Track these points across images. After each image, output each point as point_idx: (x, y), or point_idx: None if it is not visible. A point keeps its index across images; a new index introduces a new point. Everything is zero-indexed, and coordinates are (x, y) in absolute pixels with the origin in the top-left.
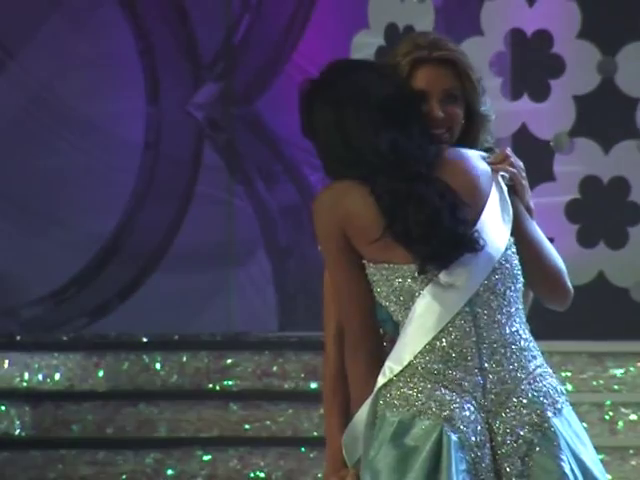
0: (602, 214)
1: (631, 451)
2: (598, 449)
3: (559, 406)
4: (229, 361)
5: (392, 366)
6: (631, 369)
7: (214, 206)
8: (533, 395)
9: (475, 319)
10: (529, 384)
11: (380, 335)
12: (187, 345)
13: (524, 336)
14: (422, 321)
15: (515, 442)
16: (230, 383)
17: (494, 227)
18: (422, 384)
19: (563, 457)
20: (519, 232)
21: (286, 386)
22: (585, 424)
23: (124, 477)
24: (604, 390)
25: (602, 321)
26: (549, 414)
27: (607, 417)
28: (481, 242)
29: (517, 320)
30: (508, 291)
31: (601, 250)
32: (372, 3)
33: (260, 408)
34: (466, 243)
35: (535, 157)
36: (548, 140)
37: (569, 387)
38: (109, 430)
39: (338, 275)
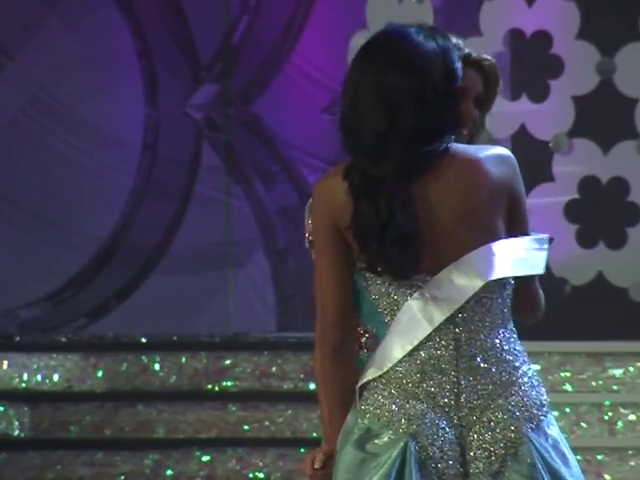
0: (601, 214)
1: (630, 451)
2: (597, 449)
3: (537, 420)
4: (228, 362)
5: (373, 370)
6: (630, 369)
7: (212, 207)
8: (509, 410)
9: (456, 333)
10: (506, 398)
11: (352, 333)
12: (186, 346)
13: (506, 347)
14: (405, 331)
15: (487, 459)
16: (229, 384)
17: (500, 257)
18: (396, 393)
19: (536, 476)
20: None
21: (285, 387)
22: (584, 424)
23: (123, 478)
24: (603, 390)
25: (601, 321)
26: (524, 429)
27: (606, 417)
28: (433, 271)
29: (501, 331)
30: (495, 302)
31: (600, 250)
32: (370, 4)
33: (259, 409)
34: (407, 267)
35: (534, 157)
36: (547, 140)
37: (568, 387)
38: (108, 431)
39: (323, 266)
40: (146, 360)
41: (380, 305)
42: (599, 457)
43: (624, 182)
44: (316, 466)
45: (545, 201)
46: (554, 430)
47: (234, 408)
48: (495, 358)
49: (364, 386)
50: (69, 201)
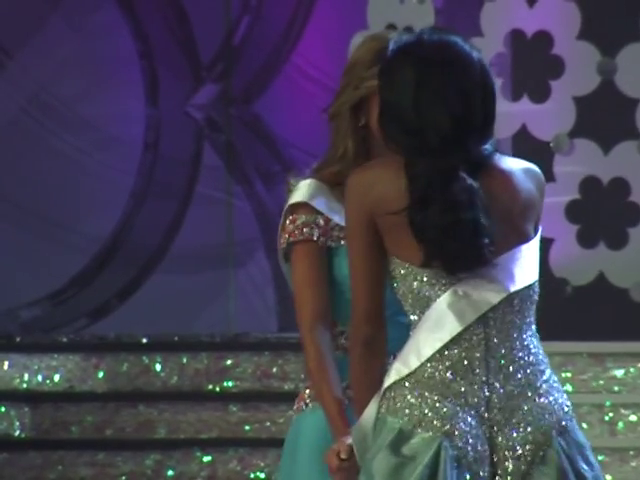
0: (602, 215)
1: (631, 452)
2: (598, 450)
3: (564, 423)
4: (229, 362)
5: (400, 368)
6: (631, 370)
7: (213, 206)
8: (538, 412)
9: (486, 332)
10: (534, 401)
11: (384, 328)
12: (187, 346)
13: (533, 350)
14: (434, 328)
15: (517, 460)
16: (230, 384)
17: (529, 260)
18: (426, 393)
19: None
20: None
21: (286, 387)
22: (585, 425)
23: (124, 478)
24: (604, 391)
25: (602, 322)
26: (554, 433)
27: (607, 418)
28: (492, 263)
29: (529, 333)
30: (524, 304)
31: (601, 251)
32: (371, 4)
33: (260, 409)
34: (474, 260)
35: (535, 158)
36: (548, 141)
37: (569, 388)
38: (109, 431)
39: (355, 259)
40: (147, 360)
41: (407, 303)
42: (600, 458)
43: (625, 182)
44: (343, 457)
45: (546, 201)
46: (580, 435)
47: (235, 408)
48: (524, 360)
49: (389, 386)
50: (70, 201)
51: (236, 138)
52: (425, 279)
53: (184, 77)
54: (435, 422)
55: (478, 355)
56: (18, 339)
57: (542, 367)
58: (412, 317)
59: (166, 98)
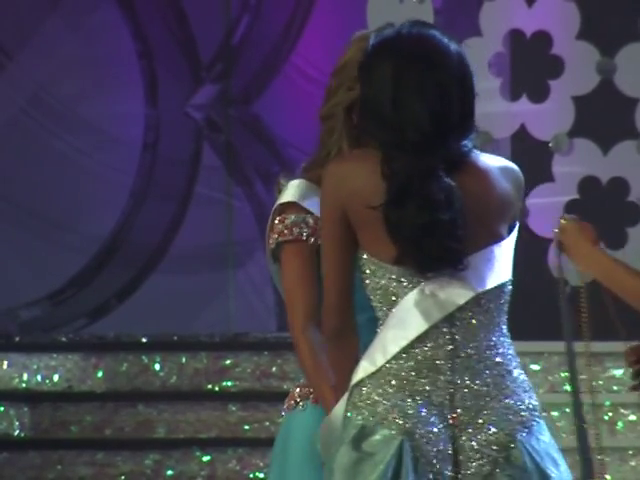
0: (601, 215)
1: (630, 452)
2: (597, 450)
3: (529, 425)
4: (228, 362)
5: (366, 365)
6: (630, 370)
7: (213, 207)
8: (503, 413)
9: (452, 332)
10: (500, 401)
11: (352, 319)
12: (186, 346)
13: (501, 350)
14: (401, 327)
15: (480, 461)
16: (229, 384)
17: (500, 261)
18: (390, 391)
19: None
20: None
21: (285, 387)
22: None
23: (123, 478)
24: (603, 391)
25: (602, 322)
26: (518, 434)
27: (606, 418)
28: (463, 265)
29: (497, 333)
30: (493, 305)
31: None
32: (371, 4)
33: (259, 409)
34: (448, 260)
35: (534, 158)
36: (547, 141)
37: (568, 387)
38: (108, 431)
39: (327, 249)
40: (146, 360)
41: (375, 299)
42: (599, 457)
43: (624, 182)
44: None
45: (545, 201)
46: (546, 435)
47: (234, 408)
48: (490, 360)
49: (356, 383)
50: (69, 201)
51: (235, 138)
52: (394, 276)
53: (183, 77)
54: (397, 420)
55: (443, 354)
56: (17, 339)
57: (510, 367)
58: (379, 314)
59: (165, 98)
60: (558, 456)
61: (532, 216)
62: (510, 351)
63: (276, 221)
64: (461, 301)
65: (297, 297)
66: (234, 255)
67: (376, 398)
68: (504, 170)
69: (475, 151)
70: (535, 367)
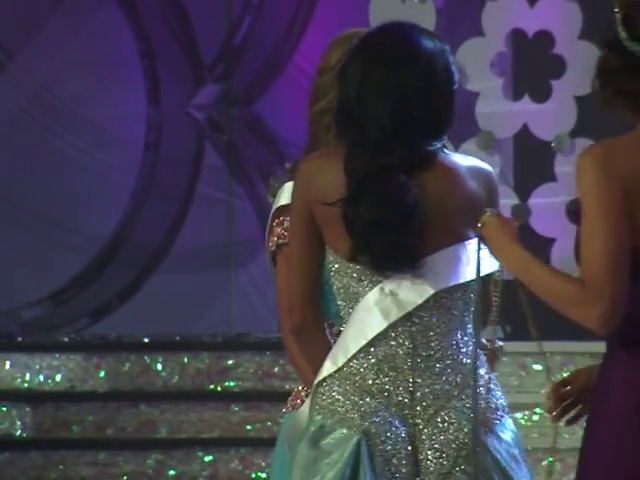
0: None
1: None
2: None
3: (490, 423)
4: (230, 362)
5: (328, 365)
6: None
7: (215, 207)
8: (462, 412)
9: (412, 331)
10: (460, 400)
11: (315, 318)
12: (188, 346)
13: (463, 349)
14: (361, 325)
15: (438, 459)
16: (231, 384)
17: (464, 260)
18: (350, 390)
19: (487, 479)
20: None
21: (287, 387)
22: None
23: (125, 478)
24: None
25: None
26: (480, 432)
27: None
28: (420, 263)
29: (459, 333)
30: (454, 303)
31: None
32: (373, 4)
33: (261, 409)
34: (401, 258)
35: (536, 158)
36: (549, 141)
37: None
38: (110, 431)
39: (294, 246)
40: (148, 360)
41: (340, 297)
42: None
43: None
44: None
45: (547, 201)
46: (508, 434)
47: (236, 408)
48: (451, 360)
49: (319, 382)
50: (71, 201)
51: (237, 138)
52: (355, 275)
53: (185, 77)
54: (355, 419)
55: (403, 353)
56: (19, 339)
57: (471, 366)
58: (343, 312)
59: (167, 98)
60: (520, 454)
61: (534, 216)
62: (472, 349)
63: (274, 224)
64: (419, 300)
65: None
66: (236, 255)
67: (336, 397)
68: (473, 170)
69: (445, 151)
70: (537, 367)
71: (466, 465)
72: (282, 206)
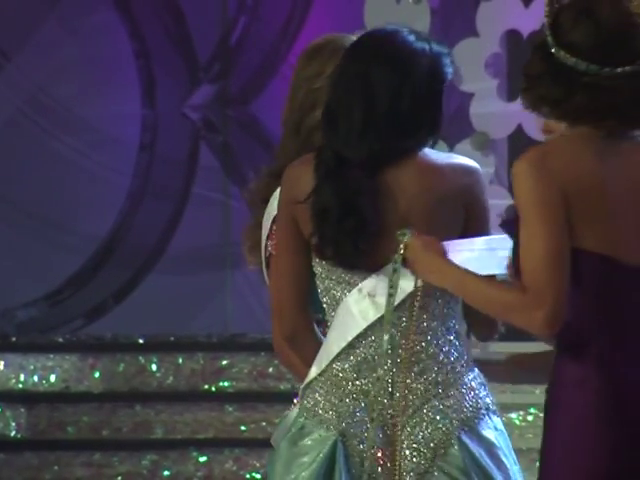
0: None
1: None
2: None
3: (471, 423)
4: (225, 362)
5: (314, 369)
6: None
7: (210, 207)
8: (441, 411)
9: (392, 331)
10: (441, 399)
11: (306, 323)
12: (183, 346)
13: (445, 349)
14: (341, 328)
15: (416, 458)
16: (226, 384)
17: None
18: (332, 391)
19: (465, 478)
20: None
21: (282, 387)
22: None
23: (120, 479)
24: None
25: None
26: (457, 432)
27: None
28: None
29: (440, 332)
30: (435, 302)
31: None
32: (368, 4)
33: (256, 409)
34: (360, 251)
35: None
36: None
37: None
38: (105, 431)
39: (280, 253)
40: (143, 361)
41: (324, 300)
42: None
43: None
44: None
45: None
46: (490, 433)
47: (231, 409)
48: (432, 359)
49: (305, 385)
50: (66, 201)
51: (233, 139)
52: (334, 277)
53: (181, 78)
54: (333, 419)
55: (383, 354)
56: (14, 339)
57: (456, 365)
58: (327, 316)
59: (163, 99)
60: (504, 454)
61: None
62: (458, 349)
63: (275, 228)
64: (397, 300)
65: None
66: (231, 256)
67: (318, 399)
68: (456, 167)
69: (425, 149)
70: None
71: (444, 464)
72: None
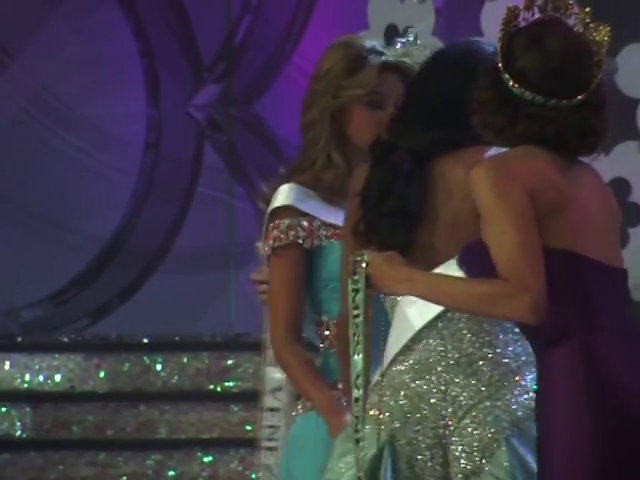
0: None
1: None
2: None
3: (522, 424)
4: (230, 362)
5: (378, 371)
6: None
7: (215, 207)
8: (493, 412)
9: (443, 333)
10: (494, 400)
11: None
12: (188, 346)
13: (499, 350)
14: (396, 332)
15: (465, 459)
16: (231, 384)
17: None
18: (389, 393)
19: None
20: None
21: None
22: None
23: (125, 478)
24: None
25: None
26: (507, 433)
27: None
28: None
29: (495, 333)
30: None
31: None
32: (372, 4)
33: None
34: (385, 235)
35: None
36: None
37: None
38: (110, 431)
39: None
40: (148, 360)
41: (385, 303)
42: None
43: (626, 182)
44: None
45: None
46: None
47: (236, 408)
48: (486, 360)
49: (370, 389)
50: (71, 201)
51: (237, 138)
52: None
53: (185, 77)
54: (386, 420)
55: (437, 355)
56: (19, 339)
57: (513, 366)
58: (390, 319)
59: (167, 98)
60: None
61: None
62: (516, 350)
63: (270, 227)
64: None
65: (280, 305)
66: (236, 255)
67: (376, 400)
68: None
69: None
70: None
71: (491, 466)
72: (277, 208)
